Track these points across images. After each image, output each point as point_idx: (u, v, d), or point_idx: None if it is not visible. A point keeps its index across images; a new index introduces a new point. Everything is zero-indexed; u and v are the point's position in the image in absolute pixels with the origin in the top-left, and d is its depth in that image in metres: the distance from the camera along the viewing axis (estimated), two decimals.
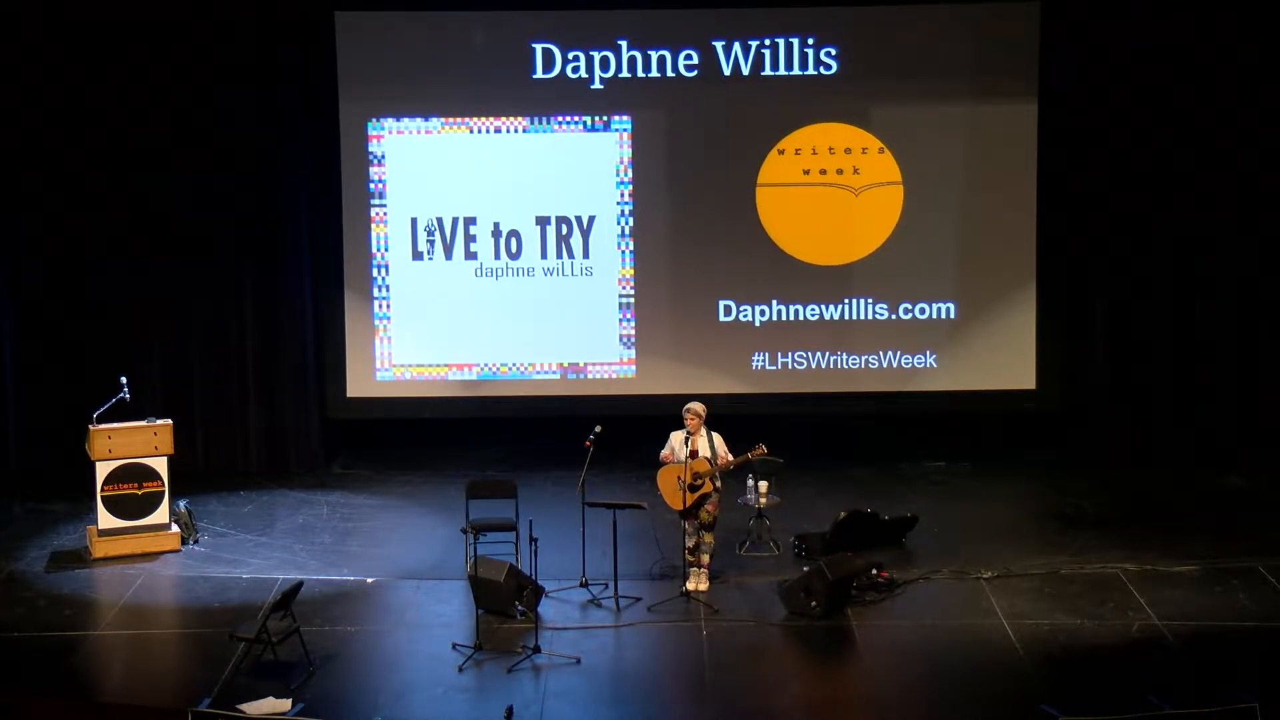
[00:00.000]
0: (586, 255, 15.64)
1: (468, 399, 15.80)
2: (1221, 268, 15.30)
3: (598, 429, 12.33)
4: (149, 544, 13.18)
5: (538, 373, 15.78)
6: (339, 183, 15.51)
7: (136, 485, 13.22)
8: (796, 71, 15.40)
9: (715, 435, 12.26)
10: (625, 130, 15.52)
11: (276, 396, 15.57)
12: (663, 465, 12.30)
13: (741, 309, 15.71)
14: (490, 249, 15.62)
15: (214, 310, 15.43)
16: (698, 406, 12.30)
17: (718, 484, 12.23)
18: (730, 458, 12.18)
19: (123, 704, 10.39)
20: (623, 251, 15.67)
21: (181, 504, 13.64)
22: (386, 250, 15.63)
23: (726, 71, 15.40)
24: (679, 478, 12.11)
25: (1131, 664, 10.96)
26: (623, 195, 15.61)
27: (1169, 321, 15.44)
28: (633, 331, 15.74)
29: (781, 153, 15.55)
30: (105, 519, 13.14)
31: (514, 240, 15.62)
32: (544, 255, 15.63)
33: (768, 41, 15.35)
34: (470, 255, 15.62)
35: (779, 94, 15.41)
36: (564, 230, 15.64)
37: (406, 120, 15.50)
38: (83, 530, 13.58)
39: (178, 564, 13.06)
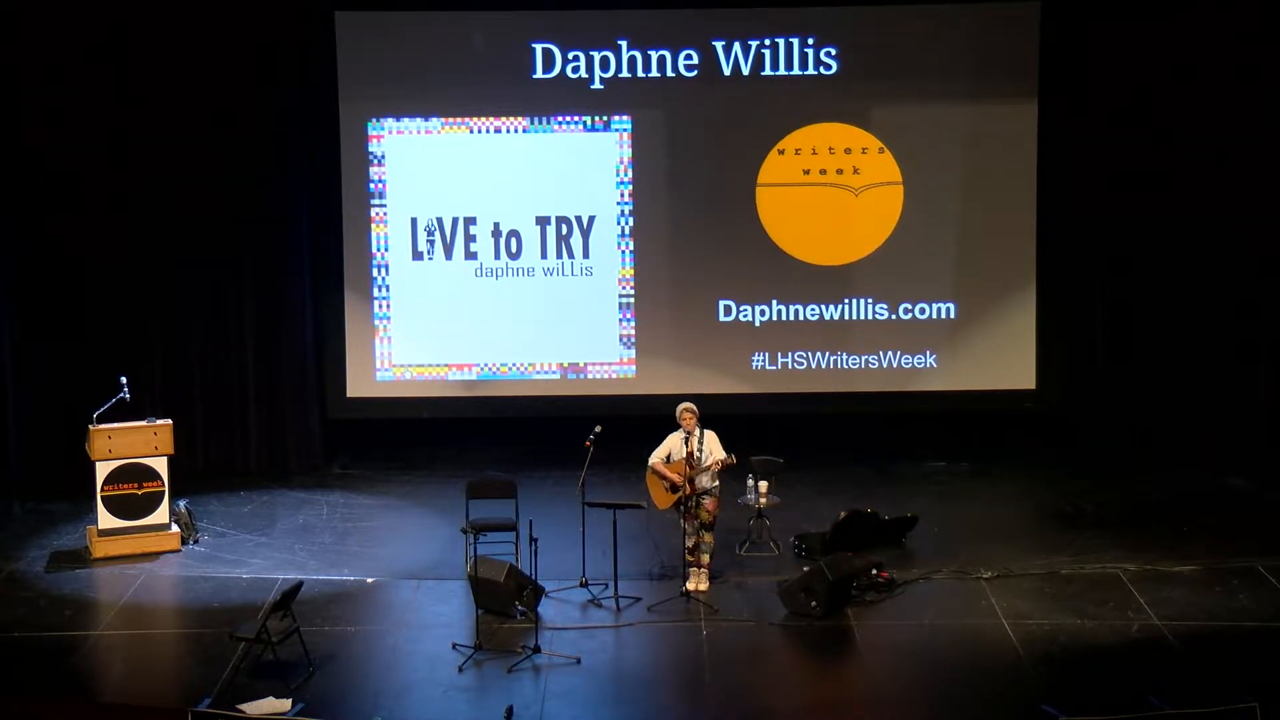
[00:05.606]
0: (586, 255, 15.64)
1: (468, 399, 15.80)
2: (1221, 268, 15.30)
3: (598, 429, 12.33)
4: (149, 544, 13.18)
5: (538, 373, 15.78)
6: (339, 183, 15.52)
7: (136, 485, 13.21)
8: (796, 71, 15.41)
9: (709, 433, 12.25)
10: (625, 130, 15.52)
11: (276, 396, 15.57)
12: (650, 468, 12.31)
13: (741, 309, 15.71)
14: (490, 249, 15.62)
15: (214, 310, 15.42)
16: (692, 405, 12.30)
17: (709, 484, 12.19)
18: (722, 455, 12.14)
19: (123, 704, 10.39)
20: (623, 251, 15.67)
21: (181, 504, 13.63)
22: (386, 250, 15.63)
23: (726, 71, 15.40)
24: (663, 481, 12.16)
25: (1131, 664, 10.96)
26: (623, 195, 15.61)
27: (1169, 322, 15.45)
28: (633, 331, 15.73)
29: (781, 153, 15.55)
30: (105, 519, 13.13)
31: (514, 240, 15.62)
32: (544, 255, 15.63)
33: (768, 41, 15.35)
34: (470, 255, 15.62)
35: (779, 94, 15.41)
36: (564, 230, 15.63)
37: (406, 120, 15.49)
38: (83, 530, 13.58)
39: (178, 564, 13.06)
